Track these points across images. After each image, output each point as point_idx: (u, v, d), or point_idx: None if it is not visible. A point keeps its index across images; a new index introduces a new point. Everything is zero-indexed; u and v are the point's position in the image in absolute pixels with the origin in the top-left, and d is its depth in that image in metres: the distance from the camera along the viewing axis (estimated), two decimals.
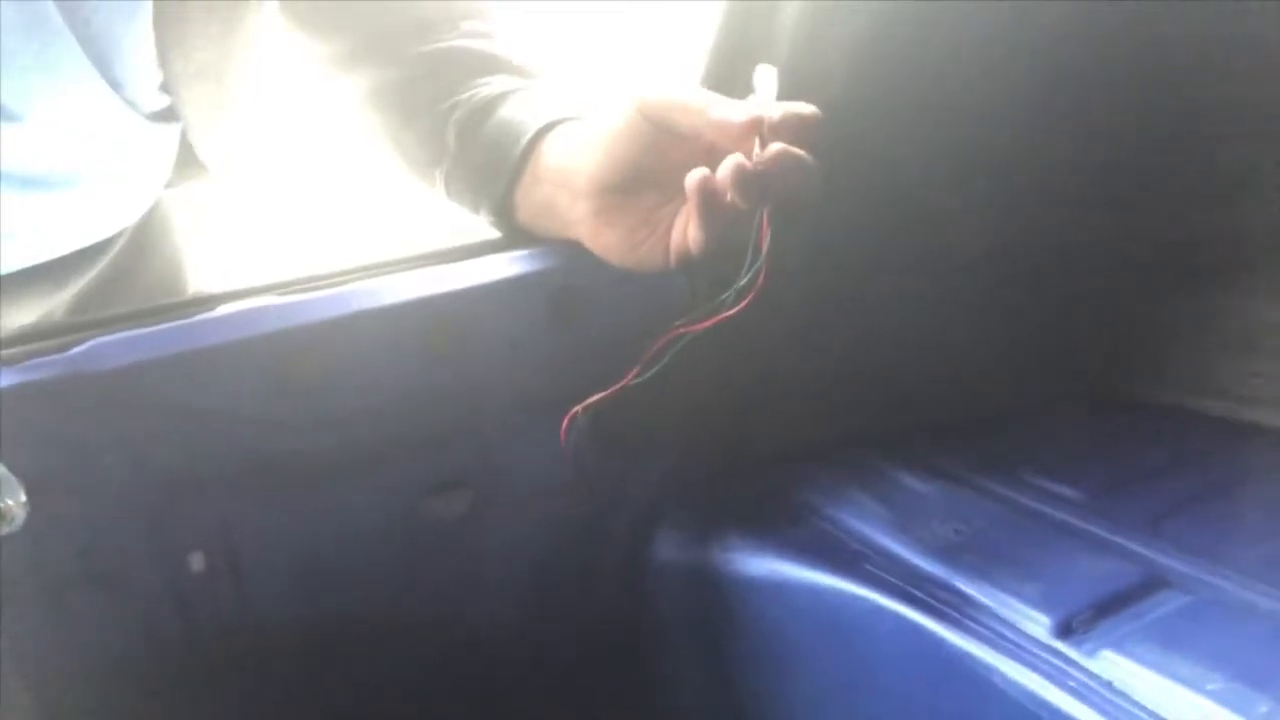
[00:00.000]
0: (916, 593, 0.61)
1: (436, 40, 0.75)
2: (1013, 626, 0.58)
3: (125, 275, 0.85)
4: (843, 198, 0.61)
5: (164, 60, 0.71)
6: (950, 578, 0.62)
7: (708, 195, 0.55)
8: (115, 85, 0.70)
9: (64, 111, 0.70)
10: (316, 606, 0.66)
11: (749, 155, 0.54)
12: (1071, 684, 0.54)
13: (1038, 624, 0.57)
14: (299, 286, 0.62)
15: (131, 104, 0.72)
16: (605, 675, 0.77)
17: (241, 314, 0.59)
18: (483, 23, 0.76)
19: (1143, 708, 0.52)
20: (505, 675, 0.75)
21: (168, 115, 0.75)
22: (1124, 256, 0.81)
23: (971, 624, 0.58)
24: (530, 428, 0.67)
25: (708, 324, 0.57)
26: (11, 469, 0.52)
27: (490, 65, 0.74)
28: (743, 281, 0.55)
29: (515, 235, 0.70)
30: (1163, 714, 0.51)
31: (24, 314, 0.78)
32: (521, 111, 0.69)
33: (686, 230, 0.58)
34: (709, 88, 0.59)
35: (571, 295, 0.66)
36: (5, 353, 0.55)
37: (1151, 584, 0.59)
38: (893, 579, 0.63)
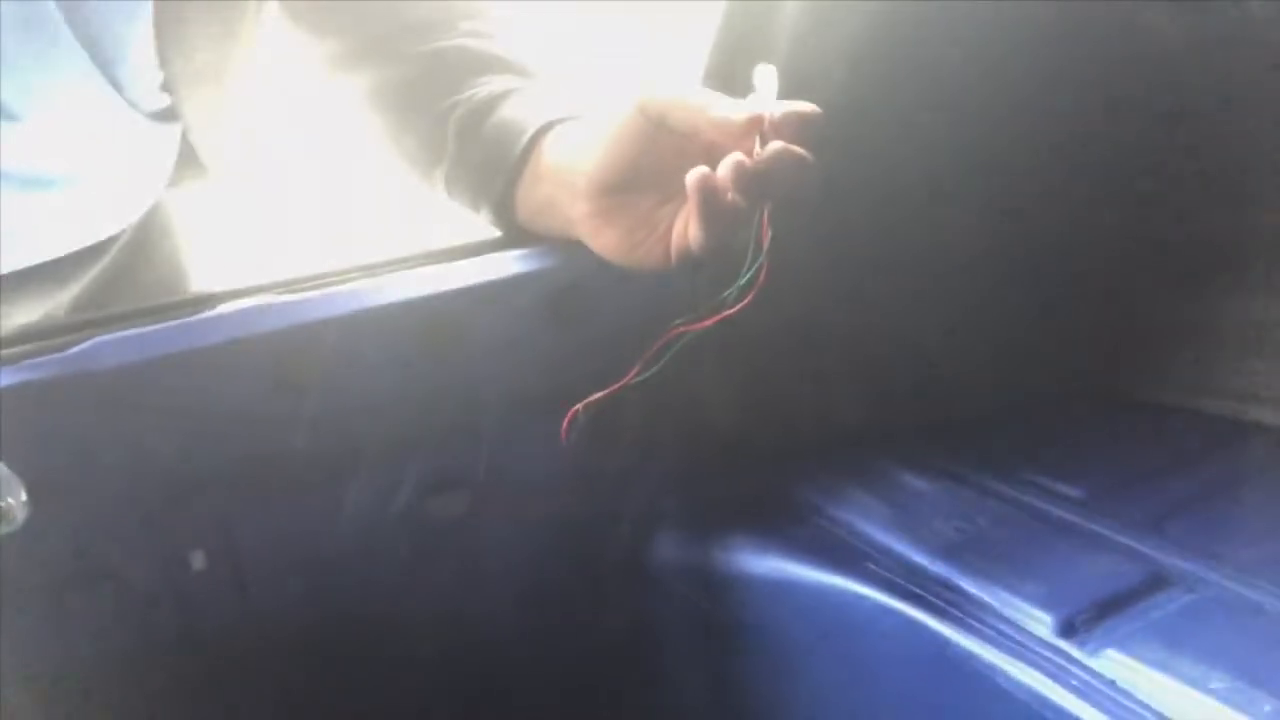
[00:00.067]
0: (918, 592, 0.61)
1: (436, 40, 0.75)
2: (1015, 625, 0.58)
3: (125, 275, 0.85)
4: (843, 197, 0.61)
5: (164, 60, 0.71)
6: (952, 577, 0.62)
7: (708, 194, 0.55)
8: (116, 85, 0.70)
9: (64, 111, 0.70)
10: (316, 606, 0.66)
11: (749, 154, 0.54)
12: (1074, 683, 0.54)
13: (1040, 623, 0.57)
14: (299, 286, 0.62)
15: (132, 104, 0.72)
16: (605, 674, 0.77)
17: (241, 314, 0.59)
18: (483, 23, 0.76)
19: (1146, 706, 0.52)
20: (505, 675, 0.75)
21: (168, 115, 0.75)
22: (1124, 256, 0.81)
23: (974, 623, 0.58)
24: (530, 427, 0.67)
25: (708, 323, 0.57)
26: (11, 469, 0.52)
27: (490, 65, 0.74)
28: (743, 280, 0.55)
29: (515, 235, 0.70)
30: (1166, 713, 0.51)
31: (24, 314, 0.77)
32: (521, 111, 0.69)
33: (687, 229, 0.58)
34: (709, 87, 0.59)
35: (571, 295, 0.66)
36: (5, 352, 0.55)
37: (1154, 583, 0.59)
38: (894, 578, 0.63)
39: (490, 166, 0.69)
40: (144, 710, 0.63)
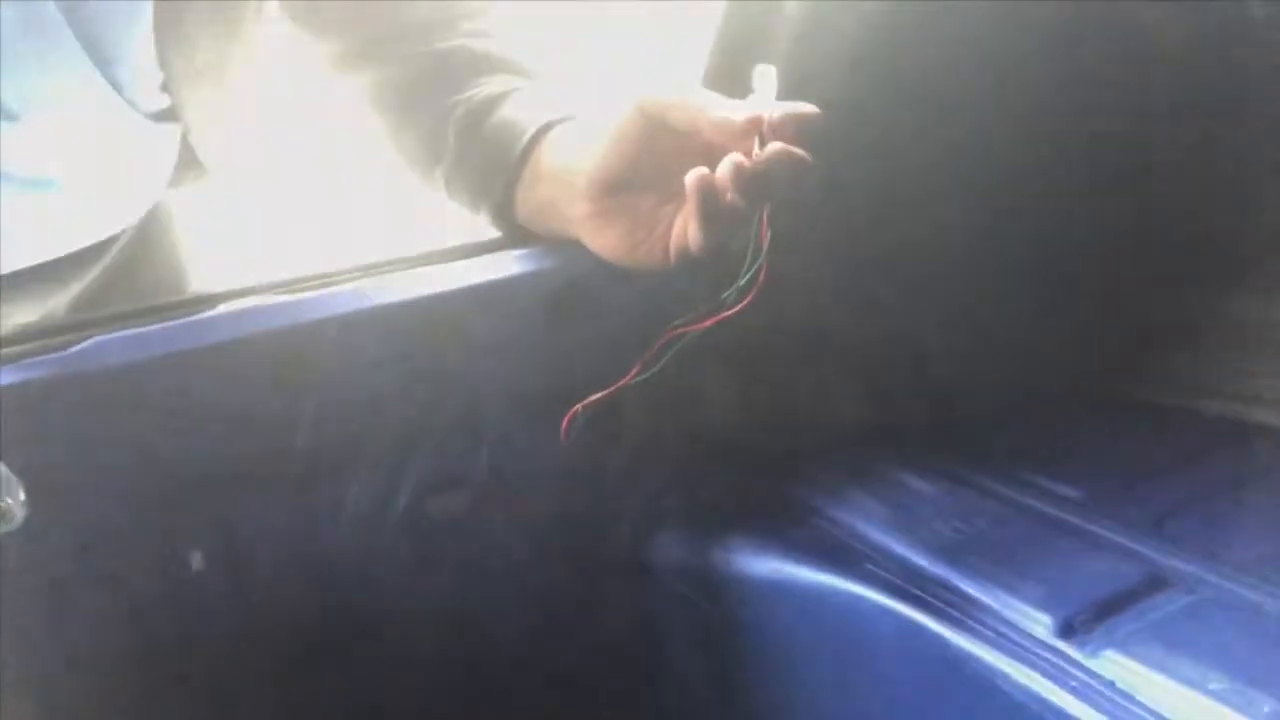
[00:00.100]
0: (917, 592, 0.61)
1: (437, 40, 0.75)
2: (1014, 626, 0.58)
3: (125, 275, 0.85)
4: (842, 197, 0.61)
5: (164, 60, 0.71)
6: (952, 577, 0.62)
7: (707, 194, 0.55)
8: (116, 85, 0.70)
9: (64, 111, 0.70)
10: (316, 606, 0.66)
11: (748, 155, 0.54)
12: (1073, 684, 0.54)
13: (1039, 624, 0.57)
14: (299, 286, 0.62)
15: (132, 104, 0.72)
16: (605, 675, 0.77)
17: (241, 313, 0.59)
18: (483, 23, 0.76)
19: (1145, 708, 0.52)
20: (505, 675, 0.74)
21: (168, 115, 0.75)
22: (1124, 256, 0.81)
23: (973, 624, 0.58)
24: (530, 427, 0.67)
25: (708, 323, 0.57)
26: (11, 468, 0.52)
27: (491, 65, 0.74)
28: (743, 280, 0.55)
29: (515, 235, 0.70)
30: (1165, 714, 0.51)
31: (24, 314, 0.78)
32: (521, 111, 0.69)
33: (686, 230, 0.58)
34: (709, 87, 0.59)
35: (571, 295, 0.66)
36: (5, 352, 0.55)
37: (1154, 583, 0.59)
38: (894, 579, 0.62)
39: (490, 167, 0.69)
40: (143, 709, 0.63)
